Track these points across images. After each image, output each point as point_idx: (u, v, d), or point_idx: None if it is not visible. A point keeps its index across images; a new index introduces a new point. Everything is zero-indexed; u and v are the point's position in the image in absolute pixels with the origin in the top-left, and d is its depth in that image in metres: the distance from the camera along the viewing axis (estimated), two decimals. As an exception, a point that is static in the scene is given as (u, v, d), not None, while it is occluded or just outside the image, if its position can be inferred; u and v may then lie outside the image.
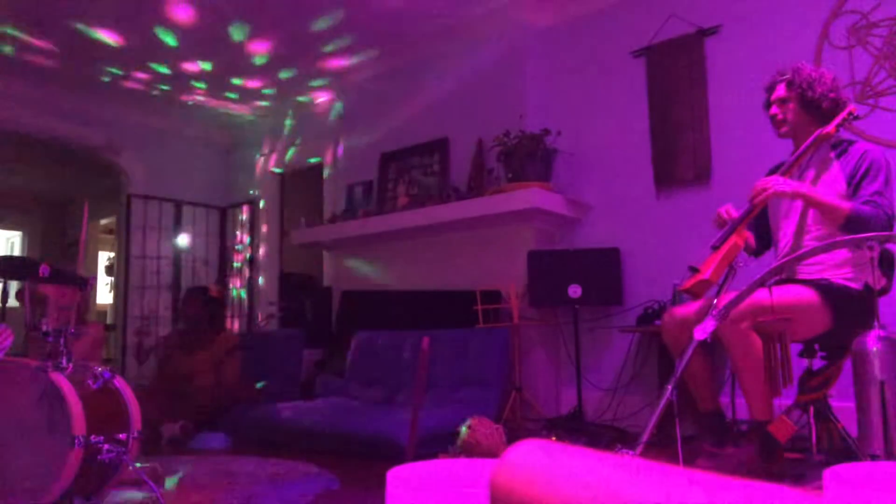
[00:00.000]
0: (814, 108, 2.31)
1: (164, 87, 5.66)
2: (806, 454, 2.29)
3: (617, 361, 3.84)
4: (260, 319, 5.98)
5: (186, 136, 6.60)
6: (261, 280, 6.40)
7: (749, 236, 2.43)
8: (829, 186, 2.28)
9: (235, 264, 6.71)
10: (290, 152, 6.27)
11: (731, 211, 2.41)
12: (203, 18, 4.43)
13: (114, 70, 5.26)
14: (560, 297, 3.71)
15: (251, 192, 6.61)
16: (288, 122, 6.33)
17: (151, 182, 6.34)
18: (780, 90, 2.39)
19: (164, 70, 5.27)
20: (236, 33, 4.66)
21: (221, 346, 4.06)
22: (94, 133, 6.04)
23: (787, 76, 2.37)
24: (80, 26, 4.51)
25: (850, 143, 2.34)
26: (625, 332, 3.75)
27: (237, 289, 6.61)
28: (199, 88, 5.70)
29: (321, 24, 4.55)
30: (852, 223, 2.10)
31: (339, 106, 5.71)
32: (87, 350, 3.11)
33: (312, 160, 6.10)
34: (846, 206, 2.14)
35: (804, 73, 2.33)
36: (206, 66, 5.20)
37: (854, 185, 2.24)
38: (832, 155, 2.34)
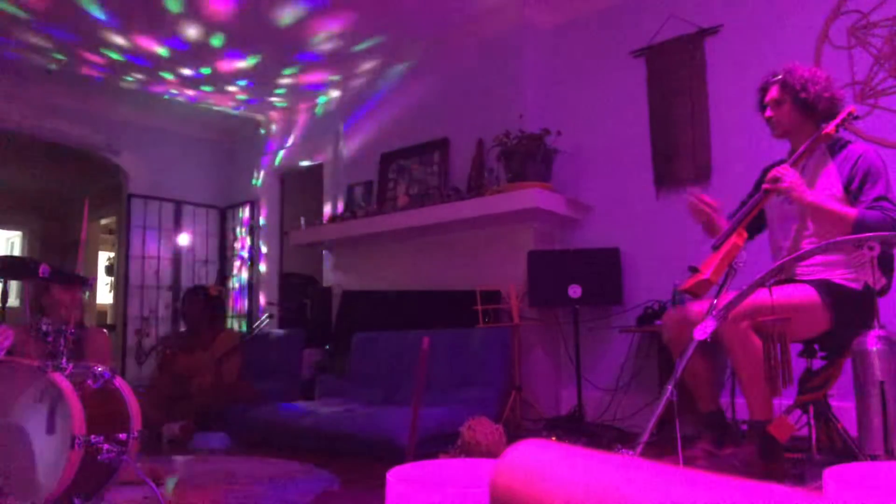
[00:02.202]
0: (809, 108, 2.31)
1: (164, 87, 5.65)
2: (806, 454, 2.29)
3: (617, 361, 3.84)
4: (255, 324, 5.97)
5: (187, 136, 6.61)
6: (261, 280, 6.40)
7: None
8: (825, 187, 2.28)
9: (235, 264, 6.71)
10: (290, 152, 6.27)
11: (703, 197, 2.42)
12: (201, 17, 4.43)
13: (113, 69, 5.26)
14: (560, 297, 3.71)
15: (251, 192, 6.62)
16: (288, 121, 6.34)
17: (151, 182, 6.34)
18: (774, 92, 2.38)
19: (161, 68, 5.27)
20: (234, 32, 4.66)
21: (221, 345, 4.06)
22: (94, 133, 6.05)
23: (780, 77, 2.36)
24: (80, 24, 4.51)
25: (846, 143, 2.34)
26: (625, 332, 3.75)
27: (235, 288, 6.61)
28: (199, 88, 5.69)
29: (321, 24, 4.55)
30: (860, 230, 2.08)
31: (339, 105, 5.71)
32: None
33: (312, 160, 6.10)
34: (852, 213, 2.14)
35: (797, 73, 2.32)
36: (205, 67, 5.20)
37: (853, 190, 2.23)
38: (828, 155, 2.34)
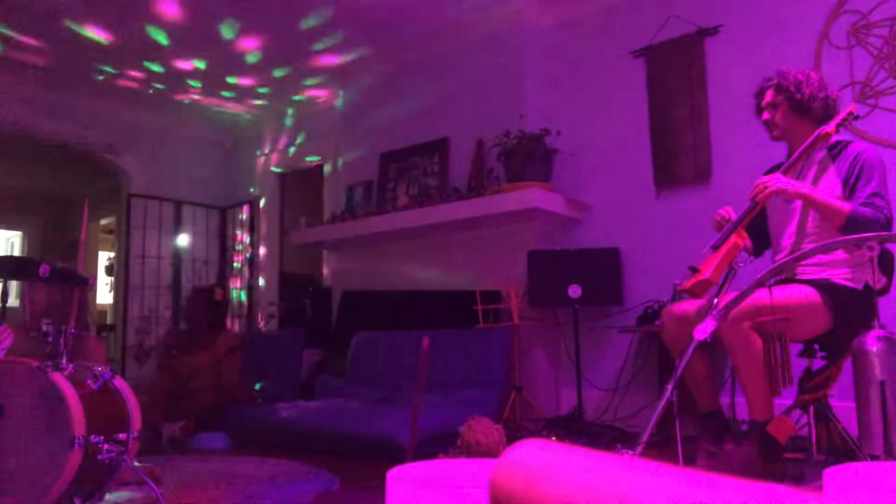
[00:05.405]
0: (804, 109, 2.33)
1: (163, 87, 5.65)
2: (806, 454, 2.29)
3: (617, 361, 3.83)
4: (260, 320, 5.99)
5: (186, 136, 6.60)
6: (261, 280, 6.40)
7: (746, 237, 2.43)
8: (826, 188, 2.28)
9: (235, 264, 6.71)
10: (290, 152, 6.27)
11: (730, 213, 2.42)
12: (196, 16, 4.42)
13: (111, 69, 5.26)
14: (560, 297, 3.71)
15: (251, 191, 6.62)
16: (288, 121, 6.34)
17: (151, 182, 6.34)
18: (769, 95, 2.41)
19: (160, 69, 5.26)
20: (227, 31, 4.65)
21: (222, 346, 4.06)
22: (94, 133, 6.04)
23: (775, 81, 2.40)
24: (75, 26, 4.51)
25: (846, 143, 2.35)
26: (625, 332, 3.75)
27: (237, 289, 6.61)
28: (198, 88, 5.69)
29: (318, 22, 4.55)
30: (852, 225, 2.11)
31: (339, 105, 5.71)
32: None
33: (312, 160, 6.10)
34: (846, 207, 2.15)
35: (790, 76, 2.36)
36: (202, 64, 5.20)
37: (850, 186, 2.24)
38: (829, 156, 2.34)
